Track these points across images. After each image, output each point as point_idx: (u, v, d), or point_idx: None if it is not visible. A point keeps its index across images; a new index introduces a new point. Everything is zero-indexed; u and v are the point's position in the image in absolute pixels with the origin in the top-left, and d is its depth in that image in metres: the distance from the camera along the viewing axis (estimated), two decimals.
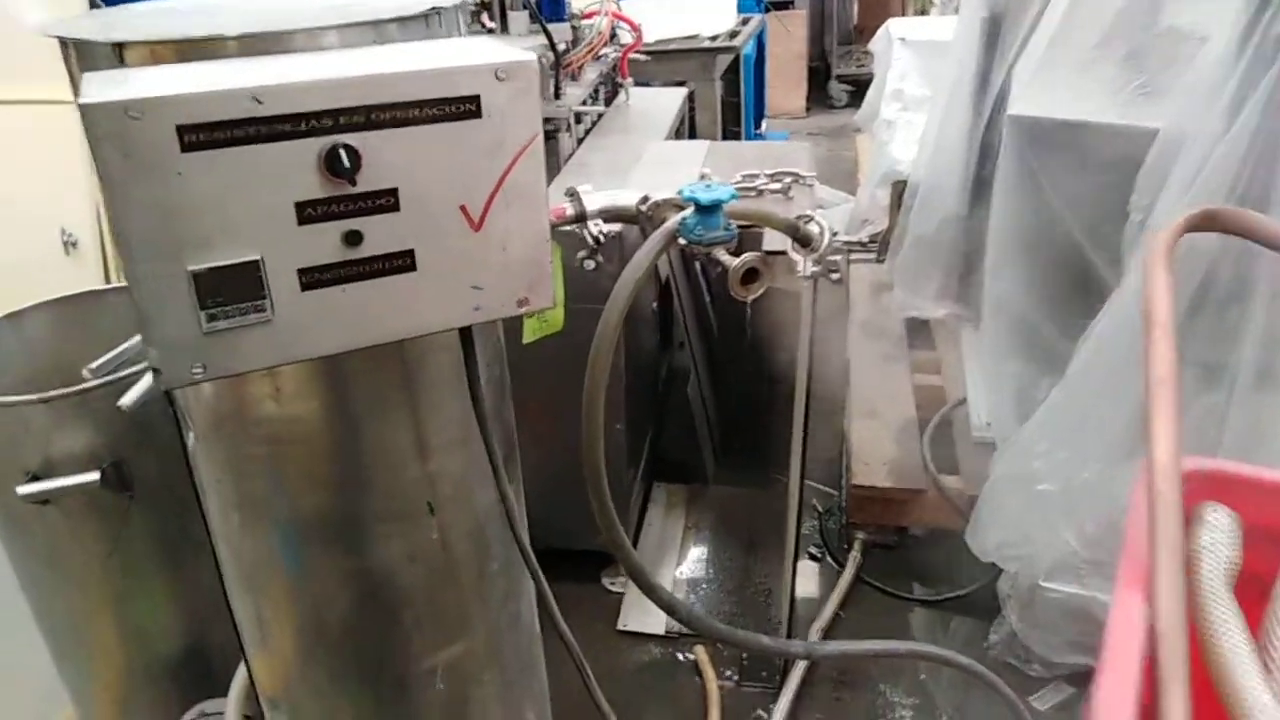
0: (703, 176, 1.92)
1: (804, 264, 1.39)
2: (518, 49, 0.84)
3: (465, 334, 0.95)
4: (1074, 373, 1.80)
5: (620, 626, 2.12)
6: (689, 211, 1.14)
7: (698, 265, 2.59)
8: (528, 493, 1.94)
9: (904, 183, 3.29)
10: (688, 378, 2.67)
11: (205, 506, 1.12)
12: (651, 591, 1.28)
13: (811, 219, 1.35)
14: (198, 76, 0.74)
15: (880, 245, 3.64)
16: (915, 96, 4.06)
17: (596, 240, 1.22)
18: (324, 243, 0.78)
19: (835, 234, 1.35)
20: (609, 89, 2.89)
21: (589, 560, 2.23)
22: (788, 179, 1.85)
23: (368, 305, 0.82)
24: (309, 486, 1.04)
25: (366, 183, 0.78)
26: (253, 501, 1.06)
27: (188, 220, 0.73)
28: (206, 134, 0.71)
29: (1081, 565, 1.93)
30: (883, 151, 4.16)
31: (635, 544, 2.31)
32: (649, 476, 2.55)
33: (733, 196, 1.12)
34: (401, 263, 0.82)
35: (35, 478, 1.53)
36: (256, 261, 0.76)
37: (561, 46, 2.43)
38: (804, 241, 1.34)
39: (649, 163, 2.13)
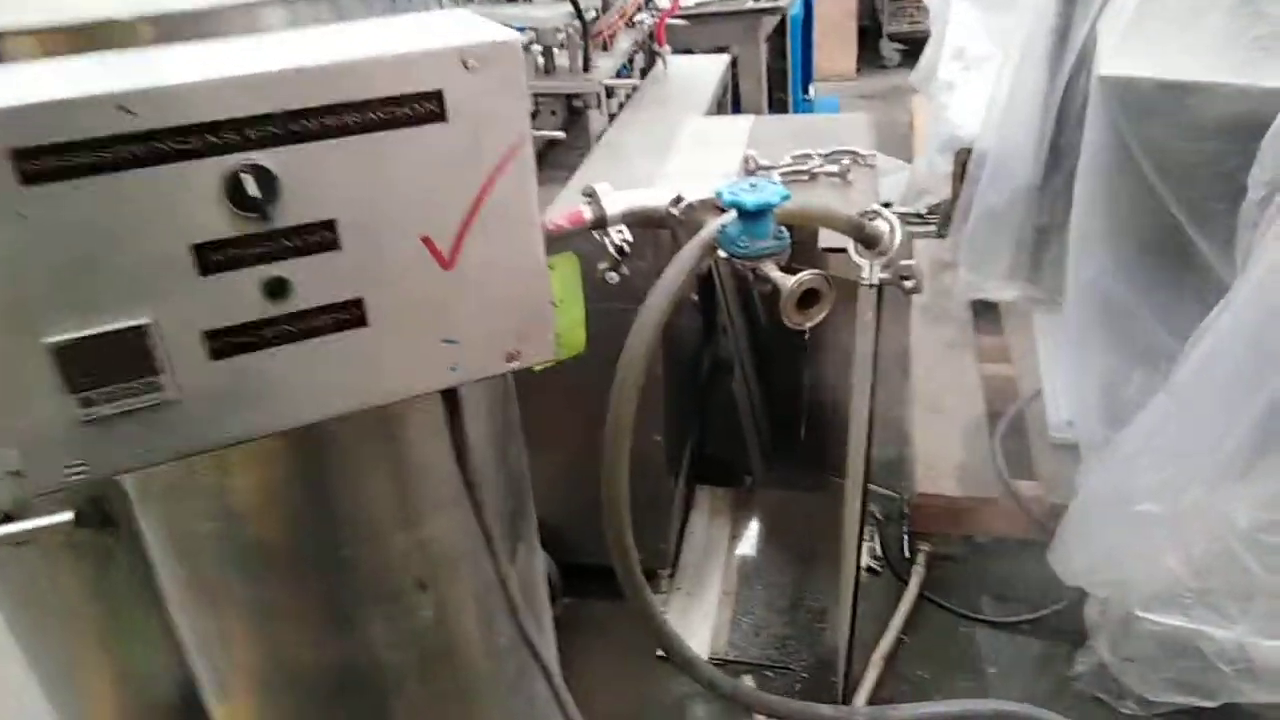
0: (747, 161, 1.70)
1: (870, 269, 1.17)
2: (495, 25, 0.63)
3: (448, 392, 0.75)
4: (1184, 379, 1.56)
5: (660, 653, 1.93)
6: (730, 217, 0.92)
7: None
8: (554, 504, 1.77)
9: (968, 150, 3.01)
10: (732, 367, 2.46)
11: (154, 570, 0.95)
12: (690, 666, 1.09)
13: (878, 214, 1.13)
14: (55, 78, 0.55)
15: (941, 219, 3.37)
16: (978, 55, 3.74)
17: (620, 250, 1.01)
18: (238, 296, 0.59)
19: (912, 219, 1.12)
20: (645, 58, 2.66)
21: None
22: (845, 159, 1.62)
23: (304, 373, 0.62)
24: (270, 568, 0.86)
25: (292, 214, 0.58)
26: (204, 583, 0.88)
27: (39, 278, 0.54)
28: (58, 159, 0.52)
29: (1186, 595, 1.69)
30: (942, 115, 3.86)
31: (677, 557, 2.12)
32: (691, 480, 2.35)
33: (784, 198, 0.91)
34: (347, 316, 0.62)
35: (9, 517, 1.39)
36: (144, 326, 0.57)
37: (590, 14, 2.20)
38: (869, 243, 1.12)
39: (688, 142, 1.91)
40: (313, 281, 0.60)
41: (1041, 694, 1.92)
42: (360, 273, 0.61)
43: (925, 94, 4.65)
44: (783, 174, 1.61)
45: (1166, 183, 1.88)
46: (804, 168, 1.61)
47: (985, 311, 2.90)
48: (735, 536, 2.25)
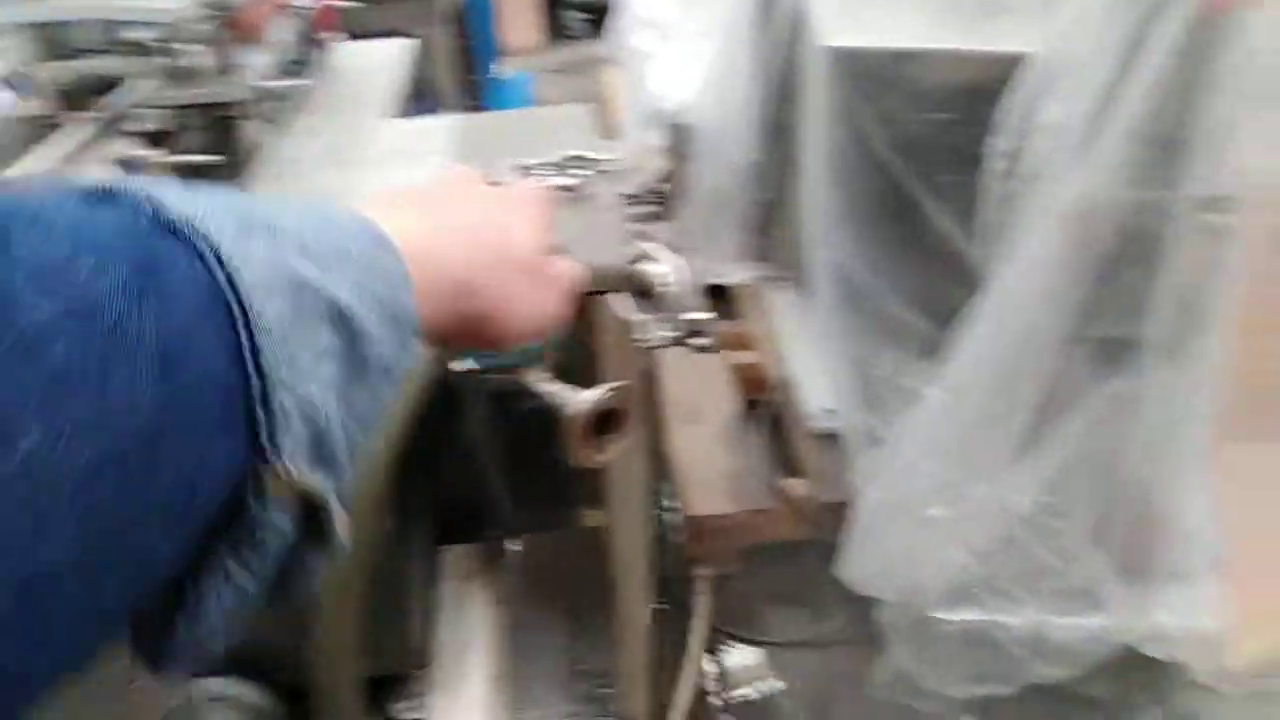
0: None
1: (649, 328, 0.91)
2: None
3: None
4: (956, 373, 1.46)
5: None
6: None
7: None
8: (264, 619, 1.42)
9: (680, 126, 2.87)
10: (462, 403, 2.14)
11: None
12: None
13: (650, 255, 0.86)
14: None
15: (661, 199, 3.22)
16: (671, 22, 3.63)
17: None
18: None
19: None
20: (310, 50, 2.23)
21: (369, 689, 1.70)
22: (580, 168, 1.34)
23: None
24: None
25: None
26: None
27: None
28: None
29: (977, 588, 1.64)
30: (641, 87, 3.71)
31: (428, 648, 1.79)
32: (433, 546, 2.02)
33: None
34: None
35: None
36: None
37: None
38: (645, 294, 0.86)
39: (381, 154, 1.55)
40: None
41: (842, 706, 1.82)
42: None
43: (619, 65, 4.51)
44: None
45: (899, 156, 1.79)
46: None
47: (719, 295, 2.78)
48: (494, 602, 1.96)
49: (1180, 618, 1.50)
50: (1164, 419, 1.40)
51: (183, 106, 1.72)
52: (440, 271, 0.41)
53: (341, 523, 0.33)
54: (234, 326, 0.29)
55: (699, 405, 2.44)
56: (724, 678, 1.92)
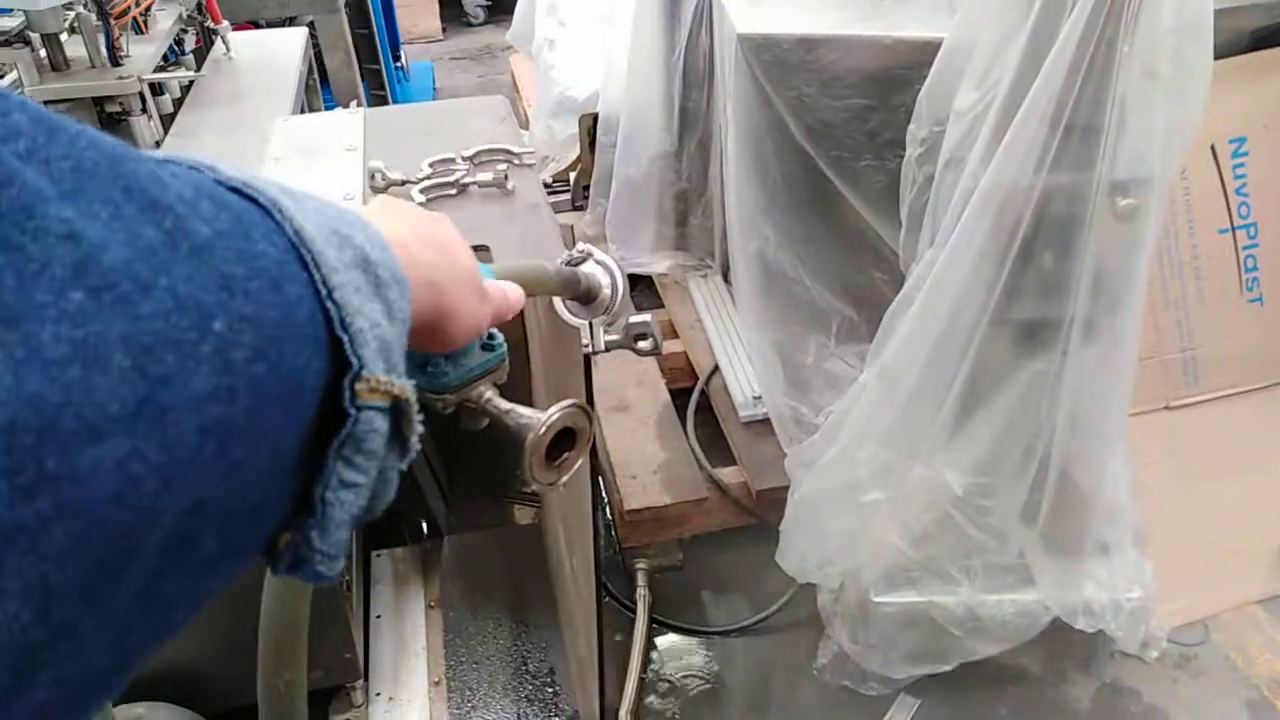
0: (373, 176, 1.32)
1: (591, 332, 0.88)
2: None
3: None
4: (890, 361, 1.47)
5: None
6: None
7: None
8: (194, 645, 1.41)
9: (593, 117, 2.82)
10: None
11: None
12: None
13: (588, 256, 0.83)
14: None
15: (575, 190, 3.18)
16: (574, 10, 3.58)
17: None
18: None
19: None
20: (199, 39, 2.11)
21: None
22: (500, 163, 1.29)
23: None
24: None
25: None
26: None
27: None
28: None
29: (913, 570, 1.66)
30: (548, 76, 3.66)
31: (367, 657, 1.73)
32: (365, 551, 1.95)
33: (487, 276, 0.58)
34: None
35: None
36: None
37: None
38: (586, 298, 0.83)
39: (285, 151, 1.47)
40: None
41: (784, 692, 1.83)
42: None
43: (525, 52, 4.42)
44: (423, 189, 1.25)
45: (814, 142, 1.80)
46: (449, 179, 1.26)
47: (640, 285, 2.76)
48: (431, 606, 1.90)
49: (1106, 590, 1.54)
50: (1083, 397, 1.43)
51: (63, 100, 1.61)
52: (415, 266, 0.46)
53: (416, 425, 0.38)
54: (306, 267, 0.34)
55: (628, 393, 2.42)
56: (667, 667, 1.92)
